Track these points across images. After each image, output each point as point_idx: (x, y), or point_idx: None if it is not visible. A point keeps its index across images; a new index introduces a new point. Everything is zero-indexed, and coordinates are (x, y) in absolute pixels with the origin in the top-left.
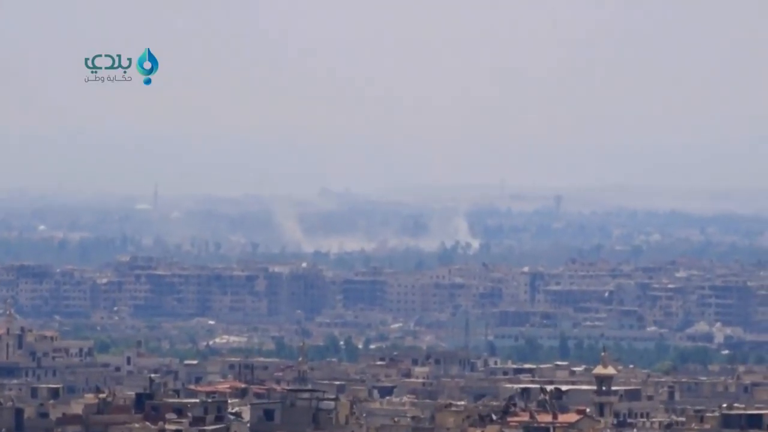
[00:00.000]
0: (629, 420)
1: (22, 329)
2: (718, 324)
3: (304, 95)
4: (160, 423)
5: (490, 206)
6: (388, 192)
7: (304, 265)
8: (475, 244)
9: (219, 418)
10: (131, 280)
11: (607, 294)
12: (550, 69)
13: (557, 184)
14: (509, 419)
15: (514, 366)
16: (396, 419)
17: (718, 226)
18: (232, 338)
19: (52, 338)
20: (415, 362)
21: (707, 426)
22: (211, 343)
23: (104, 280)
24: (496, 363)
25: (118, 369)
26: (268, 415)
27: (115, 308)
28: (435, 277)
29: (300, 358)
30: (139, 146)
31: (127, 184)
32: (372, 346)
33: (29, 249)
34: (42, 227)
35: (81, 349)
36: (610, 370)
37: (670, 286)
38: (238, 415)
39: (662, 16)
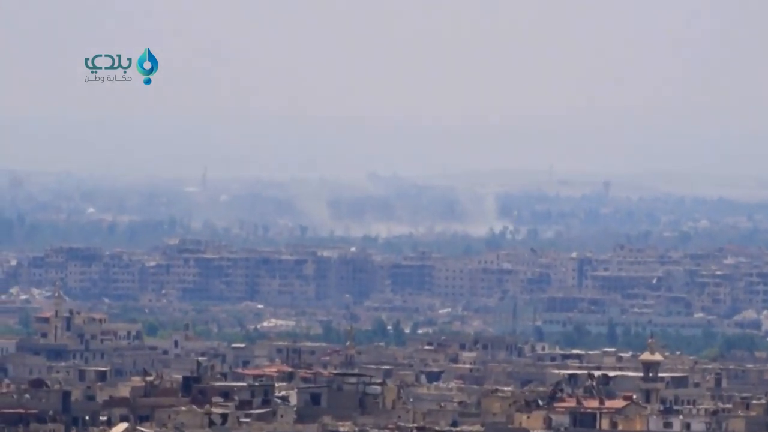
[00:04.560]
0: (676, 407)
1: (71, 312)
2: (766, 311)
3: (354, 81)
4: (207, 406)
5: (538, 192)
6: (436, 177)
7: (352, 249)
8: (516, 228)
9: (266, 402)
10: (179, 263)
11: (654, 280)
12: (598, 56)
13: (606, 170)
14: (556, 405)
15: (562, 352)
16: (443, 404)
17: (766, 213)
18: (280, 322)
19: (100, 321)
20: (462, 347)
21: (753, 413)
22: (258, 326)
23: (153, 263)
24: (543, 349)
25: (165, 352)
26: (315, 399)
27: (164, 291)
28: (483, 262)
29: (347, 343)
30: (188, 129)
31: (176, 167)
32: (420, 331)
33: (78, 232)
34: (91, 210)
35: (129, 332)
36: (657, 357)
37: (717, 272)
38: (284, 398)
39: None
